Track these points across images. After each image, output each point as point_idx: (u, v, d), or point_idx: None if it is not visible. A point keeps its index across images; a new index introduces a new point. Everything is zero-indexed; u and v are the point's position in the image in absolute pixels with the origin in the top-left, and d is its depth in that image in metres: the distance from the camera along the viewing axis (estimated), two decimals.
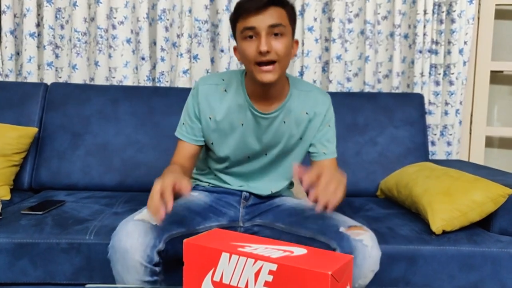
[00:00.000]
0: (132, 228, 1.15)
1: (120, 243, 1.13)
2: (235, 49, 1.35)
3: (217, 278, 0.97)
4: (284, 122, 1.38)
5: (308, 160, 1.48)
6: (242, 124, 1.37)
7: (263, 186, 1.46)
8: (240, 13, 1.23)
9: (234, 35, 1.31)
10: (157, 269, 1.16)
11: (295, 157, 1.46)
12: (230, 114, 1.37)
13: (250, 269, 0.94)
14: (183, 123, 1.41)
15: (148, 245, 1.13)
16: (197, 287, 0.99)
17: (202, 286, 0.98)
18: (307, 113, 1.40)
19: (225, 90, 1.37)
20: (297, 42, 1.35)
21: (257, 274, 0.93)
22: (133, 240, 1.13)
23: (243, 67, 1.36)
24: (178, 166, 1.32)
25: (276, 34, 1.23)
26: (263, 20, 1.21)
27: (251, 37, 1.23)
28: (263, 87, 1.31)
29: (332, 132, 1.45)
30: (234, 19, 1.27)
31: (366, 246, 1.17)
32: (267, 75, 1.23)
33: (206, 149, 1.47)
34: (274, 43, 1.22)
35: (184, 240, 1.02)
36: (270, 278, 0.92)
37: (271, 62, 1.23)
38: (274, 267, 0.92)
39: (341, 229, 1.22)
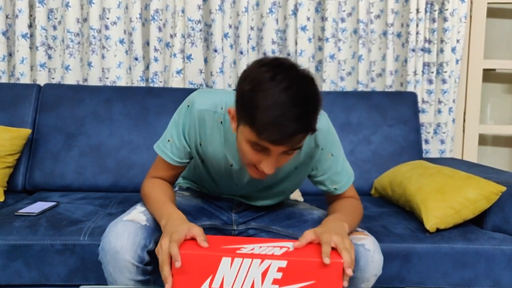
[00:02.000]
0: (122, 229, 1.13)
1: (110, 245, 1.12)
2: (229, 112, 1.10)
3: (216, 284, 0.94)
4: None
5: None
6: (232, 165, 1.25)
7: (255, 202, 1.41)
8: (259, 133, 0.98)
9: (238, 120, 1.05)
10: (149, 268, 1.16)
11: (289, 184, 1.34)
12: (222, 151, 1.24)
13: (256, 270, 0.93)
14: (169, 140, 1.25)
15: (138, 245, 1.13)
16: None
17: None
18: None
19: (221, 122, 1.21)
20: None
21: (264, 274, 0.93)
22: (123, 240, 1.12)
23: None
24: (164, 188, 1.26)
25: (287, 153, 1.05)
26: (282, 148, 1.00)
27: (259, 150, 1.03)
28: None
29: (338, 161, 1.28)
30: (248, 123, 0.99)
31: (369, 250, 1.15)
32: (260, 176, 1.10)
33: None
34: (282, 159, 1.06)
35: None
36: (279, 275, 0.92)
37: None
38: (283, 263, 0.92)
39: None
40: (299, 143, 1.02)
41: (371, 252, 1.15)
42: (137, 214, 1.21)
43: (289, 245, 1.00)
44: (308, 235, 1.02)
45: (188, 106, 1.23)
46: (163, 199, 1.19)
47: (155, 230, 1.19)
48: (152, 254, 1.17)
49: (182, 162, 1.28)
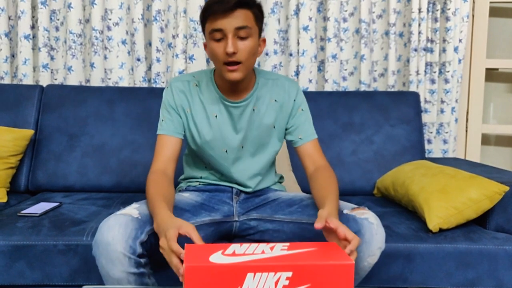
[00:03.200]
0: (113, 222, 1.16)
1: (102, 237, 1.14)
2: (205, 45, 1.39)
3: None
4: (254, 110, 1.43)
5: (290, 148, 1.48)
6: (216, 116, 1.42)
7: (245, 182, 1.48)
8: (208, 15, 1.29)
9: (203, 32, 1.37)
10: (142, 260, 1.16)
11: (271, 150, 1.50)
12: (204, 107, 1.43)
13: (271, 280, 0.93)
14: (162, 120, 1.43)
15: (129, 236, 1.14)
16: None
17: None
18: (275, 100, 1.46)
19: (197, 85, 1.44)
20: (264, 40, 1.41)
21: (276, 282, 0.93)
22: (114, 232, 1.14)
23: (212, 67, 1.40)
24: (160, 184, 1.29)
25: (242, 38, 1.29)
26: (230, 22, 1.27)
27: (219, 39, 1.30)
28: (231, 83, 1.39)
29: (306, 115, 1.49)
30: (203, 19, 1.33)
31: (372, 223, 1.23)
32: (234, 74, 1.31)
33: (189, 144, 1.49)
34: (240, 44, 1.29)
35: (186, 265, 0.92)
36: (286, 282, 0.93)
37: (237, 63, 1.30)
38: (289, 274, 0.92)
39: (345, 211, 1.28)
40: (244, 21, 1.27)
41: (374, 225, 1.23)
42: (130, 210, 1.23)
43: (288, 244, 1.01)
44: (331, 220, 1.09)
45: (167, 87, 1.46)
46: (155, 198, 1.23)
47: (147, 222, 1.21)
48: (145, 245, 1.18)
49: (178, 133, 1.42)
